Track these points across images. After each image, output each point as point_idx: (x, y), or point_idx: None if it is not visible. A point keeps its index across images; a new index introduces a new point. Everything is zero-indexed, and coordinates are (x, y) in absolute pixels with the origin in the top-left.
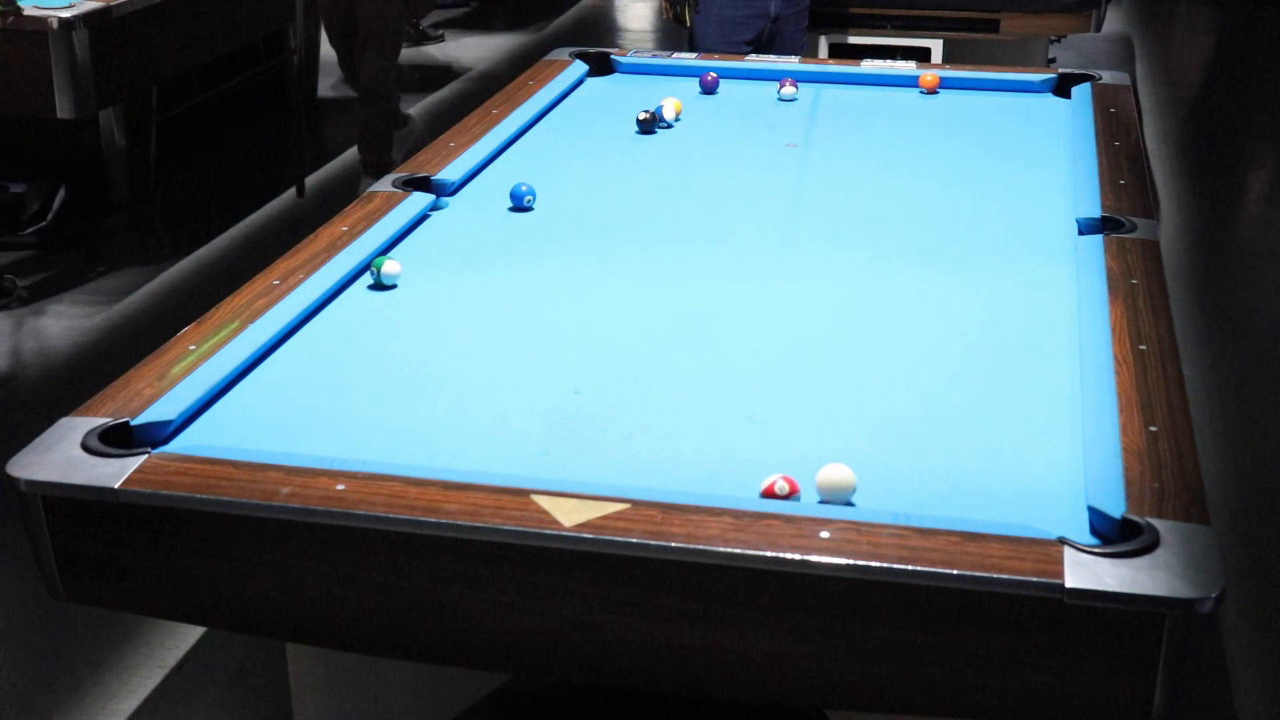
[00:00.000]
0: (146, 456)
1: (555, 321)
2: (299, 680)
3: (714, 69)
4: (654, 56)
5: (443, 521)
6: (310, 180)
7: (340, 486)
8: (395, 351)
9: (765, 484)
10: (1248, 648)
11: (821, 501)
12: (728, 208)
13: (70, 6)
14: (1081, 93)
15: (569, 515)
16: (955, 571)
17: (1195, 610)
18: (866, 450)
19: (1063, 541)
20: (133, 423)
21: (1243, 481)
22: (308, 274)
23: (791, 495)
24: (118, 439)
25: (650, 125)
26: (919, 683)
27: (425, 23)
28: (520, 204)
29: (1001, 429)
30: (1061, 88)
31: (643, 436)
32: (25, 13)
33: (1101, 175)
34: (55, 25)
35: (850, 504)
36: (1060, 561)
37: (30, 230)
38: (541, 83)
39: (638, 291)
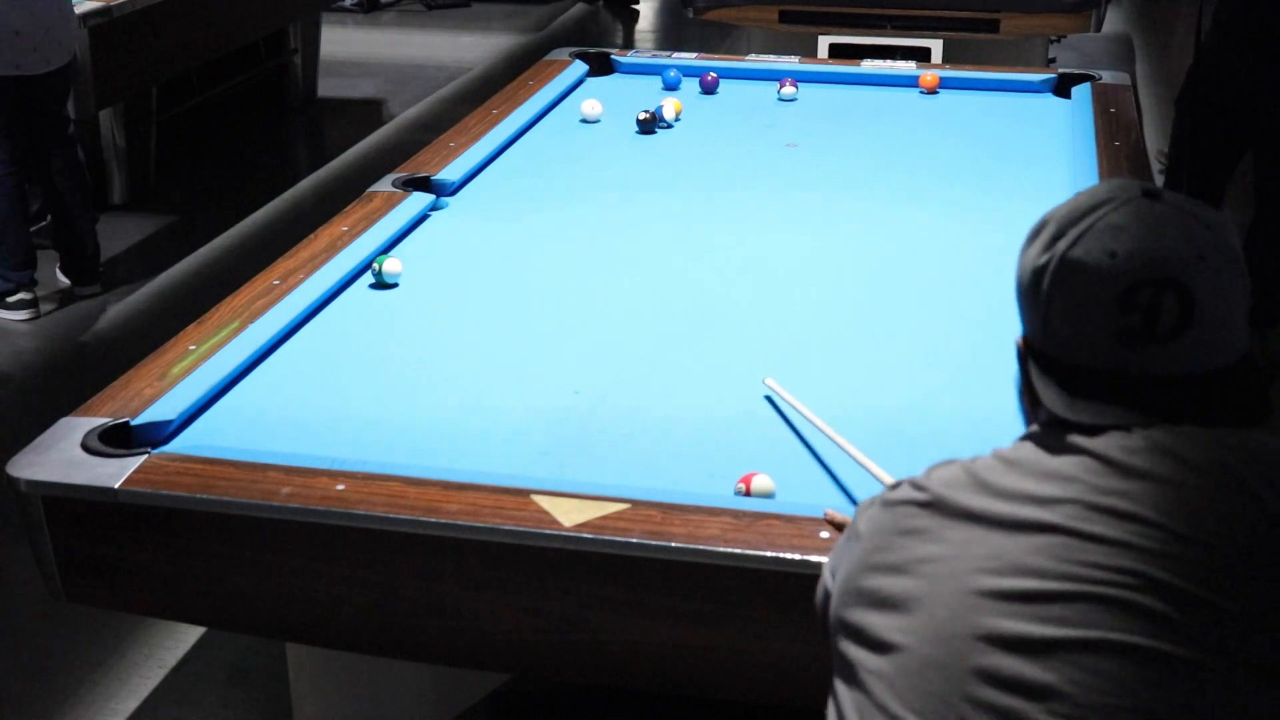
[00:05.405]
0: (146, 457)
1: (555, 321)
2: (299, 680)
3: (714, 69)
4: (654, 56)
5: (443, 522)
6: (310, 180)
7: (340, 486)
8: (395, 351)
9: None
10: None
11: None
12: (727, 207)
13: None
14: (1081, 93)
15: (569, 515)
16: None
17: None
18: (867, 450)
19: None
20: (133, 423)
21: None
22: (308, 274)
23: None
24: (118, 439)
25: (650, 125)
26: None
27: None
28: (674, 84)
29: (1002, 429)
30: (1061, 88)
31: (643, 436)
32: None
33: (1101, 175)
34: None
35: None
36: None
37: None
38: (541, 83)
39: (638, 291)
